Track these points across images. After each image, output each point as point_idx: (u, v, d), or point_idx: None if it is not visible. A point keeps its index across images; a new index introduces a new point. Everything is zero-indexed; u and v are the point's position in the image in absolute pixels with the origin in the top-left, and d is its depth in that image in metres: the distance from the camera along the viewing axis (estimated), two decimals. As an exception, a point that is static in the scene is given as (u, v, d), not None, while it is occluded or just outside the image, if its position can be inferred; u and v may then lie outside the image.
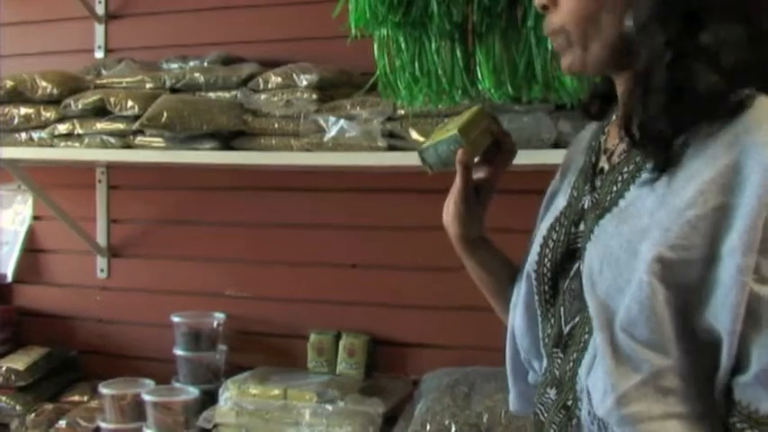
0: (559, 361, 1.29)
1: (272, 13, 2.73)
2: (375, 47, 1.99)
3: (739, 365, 1.08)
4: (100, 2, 2.97)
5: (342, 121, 2.24)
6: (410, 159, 2.19)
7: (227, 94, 2.44)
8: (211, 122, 2.33)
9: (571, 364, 1.25)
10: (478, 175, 1.48)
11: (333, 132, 2.24)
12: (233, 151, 2.34)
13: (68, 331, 3.03)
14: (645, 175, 1.18)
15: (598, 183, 1.31)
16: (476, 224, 1.50)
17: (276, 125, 2.33)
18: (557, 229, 1.34)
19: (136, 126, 2.38)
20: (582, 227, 1.29)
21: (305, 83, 2.30)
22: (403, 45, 1.96)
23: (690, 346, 1.12)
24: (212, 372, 2.63)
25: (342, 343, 2.58)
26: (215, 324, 2.67)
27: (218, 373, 2.64)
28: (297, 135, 2.31)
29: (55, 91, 2.53)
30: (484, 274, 1.55)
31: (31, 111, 2.55)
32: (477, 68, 1.94)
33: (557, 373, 1.29)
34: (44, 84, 2.54)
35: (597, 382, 1.16)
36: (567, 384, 1.25)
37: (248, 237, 2.79)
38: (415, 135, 2.18)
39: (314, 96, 2.29)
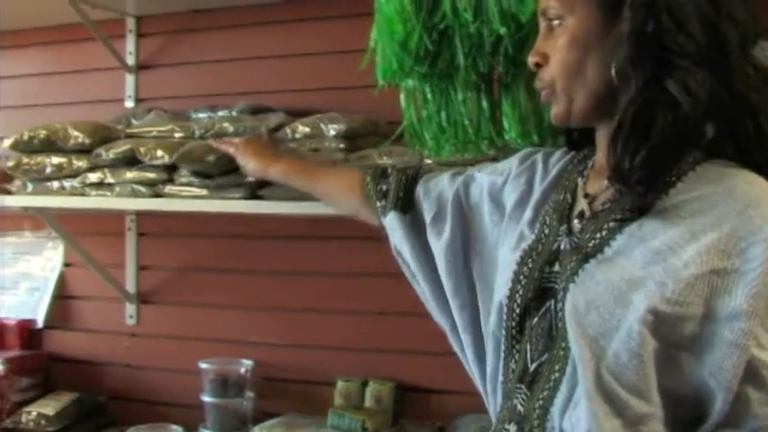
0: (524, 397, 1.33)
1: (299, 62, 2.77)
2: (402, 97, 2.01)
3: (728, 419, 1.16)
4: (130, 52, 3.02)
5: (369, 171, 2.25)
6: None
7: (255, 144, 2.46)
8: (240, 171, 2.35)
9: (540, 401, 1.29)
10: None
11: (359, 182, 2.25)
12: (261, 200, 2.36)
13: (97, 377, 3.05)
14: (633, 226, 1.25)
15: (577, 226, 1.36)
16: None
17: (304, 174, 2.34)
18: (529, 265, 1.38)
19: (171, 161, 2.38)
20: (557, 268, 1.34)
21: (332, 132, 2.31)
22: (429, 96, 1.98)
23: (670, 396, 1.18)
24: (239, 418, 2.63)
25: (368, 390, 2.57)
26: (243, 371, 2.68)
27: (246, 419, 2.64)
28: (324, 184, 2.32)
29: (86, 141, 2.56)
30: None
31: (63, 160, 2.58)
32: (503, 118, 1.97)
33: (521, 409, 1.33)
34: (76, 133, 2.57)
35: (580, 423, 1.21)
36: (534, 422, 1.29)
37: (276, 284, 2.80)
38: (441, 184, 2.19)
39: (341, 146, 2.30)
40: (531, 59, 1.40)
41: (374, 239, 2.58)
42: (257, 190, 2.36)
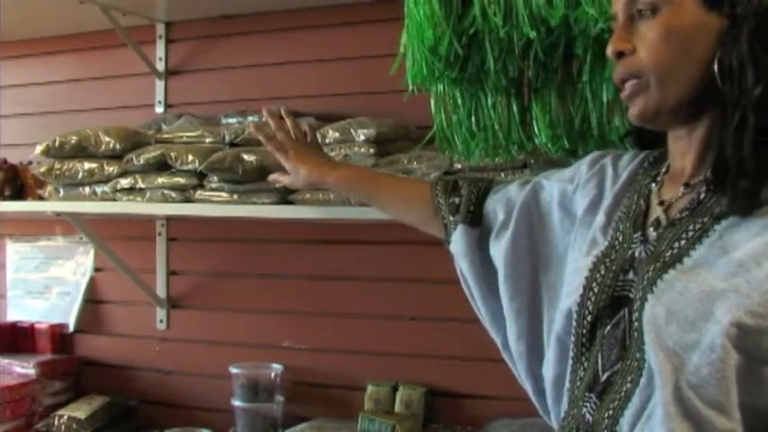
0: (594, 406, 1.30)
1: (329, 67, 2.78)
2: (432, 102, 2.01)
3: None
4: (160, 58, 3.04)
5: (399, 176, 2.24)
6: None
7: (285, 149, 2.46)
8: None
9: (610, 411, 1.26)
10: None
11: (390, 187, 2.25)
12: (291, 205, 2.36)
13: (128, 381, 3.07)
14: (713, 237, 1.21)
15: (653, 234, 1.32)
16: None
17: (334, 179, 2.34)
18: (602, 272, 1.34)
19: (200, 169, 2.40)
20: (631, 276, 1.30)
21: (362, 137, 2.31)
22: (459, 100, 1.98)
23: (749, 411, 1.13)
24: (270, 423, 2.64)
25: (399, 394, 2.57)
26: (273, 375, 2.68)
27: (276, 424, 2.65)
28: (354, 189, 2.32)
29: (118, 146, 2.57)
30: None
31: (94, 165, 2.59)
32: (534, 123, 1.96)
33: (589, 418, 1.30)
34: (107, 139, 2.58)
35: None
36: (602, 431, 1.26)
37: (306, 289, 2.81)
38: (471, 189, 2.18)
39: (371, 151, 2.29)
40: (616, 47, 1.32)
41: (405, 244, 2.59)
42: (287, 195, 2.36)
